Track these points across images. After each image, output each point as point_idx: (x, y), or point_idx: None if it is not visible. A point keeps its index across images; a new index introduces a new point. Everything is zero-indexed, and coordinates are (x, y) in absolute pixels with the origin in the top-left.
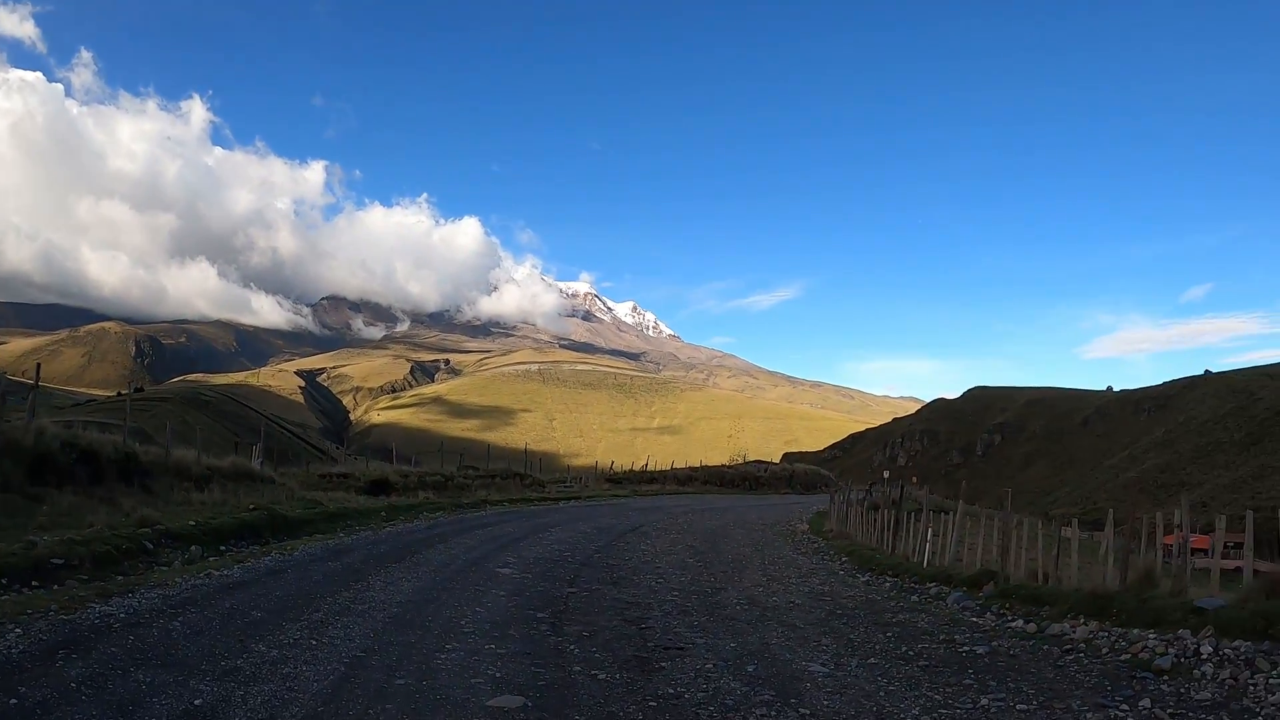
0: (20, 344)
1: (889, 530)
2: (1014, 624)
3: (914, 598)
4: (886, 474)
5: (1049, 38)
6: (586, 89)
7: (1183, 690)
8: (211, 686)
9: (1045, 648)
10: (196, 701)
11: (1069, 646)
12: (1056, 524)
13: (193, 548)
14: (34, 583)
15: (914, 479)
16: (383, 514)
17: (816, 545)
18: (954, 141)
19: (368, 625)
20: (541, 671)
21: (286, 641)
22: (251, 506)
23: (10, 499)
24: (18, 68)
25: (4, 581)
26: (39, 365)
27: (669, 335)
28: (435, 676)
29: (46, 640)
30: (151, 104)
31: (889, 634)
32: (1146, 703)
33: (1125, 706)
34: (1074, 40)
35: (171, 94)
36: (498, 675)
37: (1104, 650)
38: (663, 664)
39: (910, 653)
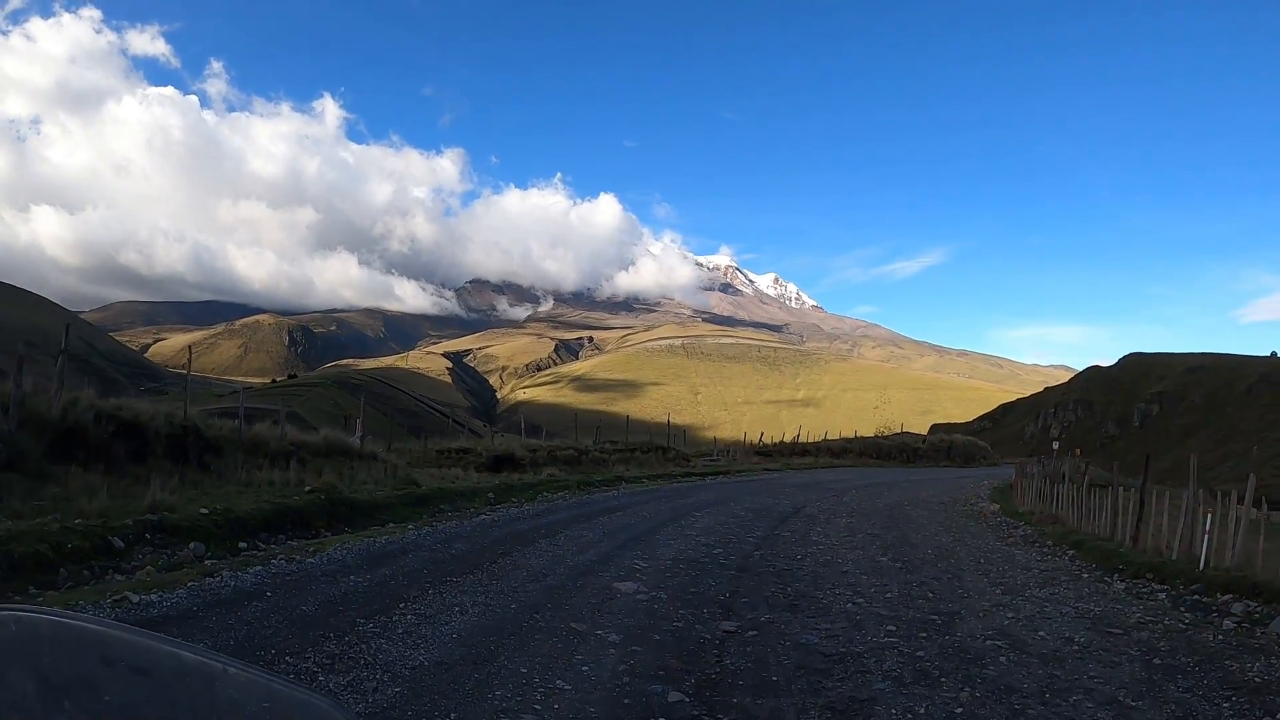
0: (179, 339)
1: (1123, 514)
2: None
3: (1227, 623)
4: (1056, 445)
5: None
6: (717, 58)
7: None
8: None
9: None
10: None
11: None
12: (1221, 500)
13: (191, 545)
14: None
15: (1077, 450)
16: (490, 495)
17: (1022, 531)
18: (1100, 99)
19: None
20: None
21: None
22: (308, 489)
23: (8, 479)
24: (155, 84)
25: None
26: (68, 327)
27: (812, 306)
28: None
29: None
30: (285, 106)
31: None
32: None
33: None
34: None
35: (303, 95)
36: None
37: None
38: None
39: None
